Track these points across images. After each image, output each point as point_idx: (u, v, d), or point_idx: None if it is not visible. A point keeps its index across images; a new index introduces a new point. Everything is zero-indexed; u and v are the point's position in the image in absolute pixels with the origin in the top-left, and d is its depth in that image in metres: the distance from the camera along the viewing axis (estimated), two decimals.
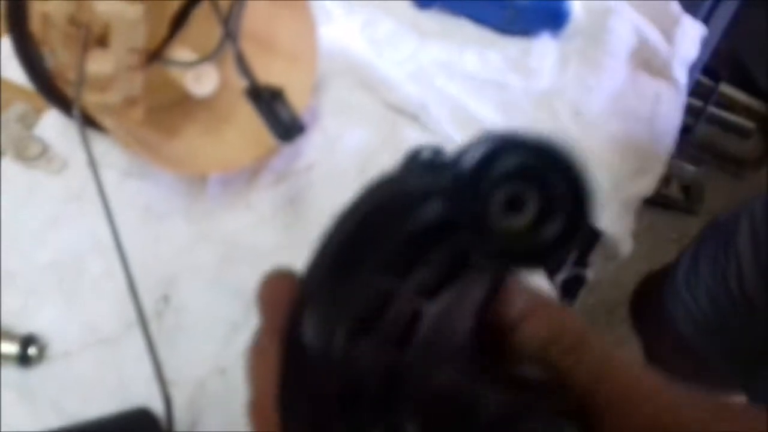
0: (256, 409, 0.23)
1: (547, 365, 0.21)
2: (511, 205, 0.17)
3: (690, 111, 1.63)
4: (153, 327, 0.52)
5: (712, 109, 1.68)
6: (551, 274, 0.61)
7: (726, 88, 1.70)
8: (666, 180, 1.73)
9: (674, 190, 1.75)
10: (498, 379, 0.20)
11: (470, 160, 0.17)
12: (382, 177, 0.19)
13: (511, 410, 0.19)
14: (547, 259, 0.17)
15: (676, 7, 0.73)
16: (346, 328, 0.19)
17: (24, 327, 0.51)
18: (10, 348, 0.49)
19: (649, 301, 1.15)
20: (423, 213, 0.18)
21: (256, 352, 0.23)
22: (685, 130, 1.65)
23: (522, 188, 0.17)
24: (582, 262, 0.64)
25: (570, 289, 0.63)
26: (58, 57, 0.48)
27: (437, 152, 0.19)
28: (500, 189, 0.17)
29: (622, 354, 0.21)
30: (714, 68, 1.54)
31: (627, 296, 1.48)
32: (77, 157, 0.58)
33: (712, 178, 1.78)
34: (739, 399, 0.96)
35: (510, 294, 0.22)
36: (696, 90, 1.55)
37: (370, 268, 0.19)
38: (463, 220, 0.17)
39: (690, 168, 1.76)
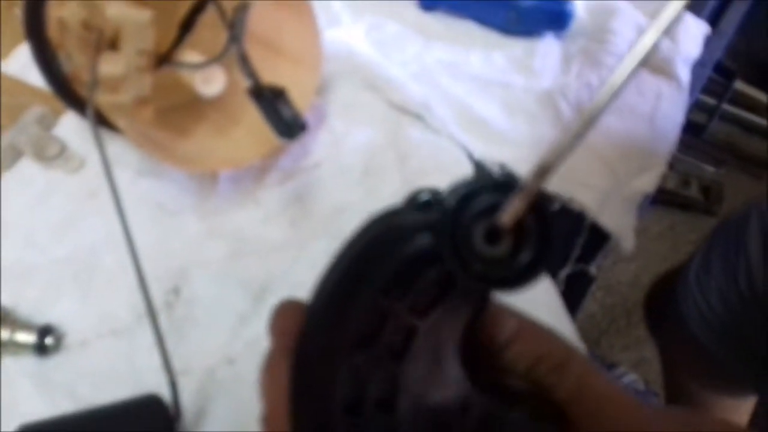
0: (269, 422, 0.24)
1: (533, 383, 0.23)
2: (490, 237, 0.20)
3: (704, 109, 1.62)
4: (164, 318, 0.54)
5: (730, 108, 1.66)
6: (553, 270, 0.62)
7: (746, 89, 1.69)
8: (685, 181, 1.72)
9: (694, 191, 1.73)
10: (486, 387, 0.22)
11: (452, 199, 0.20)
12: (381, 211, 0.22)
13: (497, 412, 0.21)
14: (521, 283, 0.20)
15: None
16: (350, 343, 0.21)
17: (41, 318, 0.53)
18: (28, 338, 0.51)
19: (662, 301, 1.14)
20: (415, 244, 0.21)
21: (268, 370, 0.24)
22: (699, 128, 1.64)
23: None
24: (585, 258, 0.64)
25: (575, 285, 0.64)
26: (73, 60, 0.50)
27: (435, 194, 0.21)
28: (479, 223, 0.20)
29: (601, 374, 0.23)
30: (732, 67, 1.53)
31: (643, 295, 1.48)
32: (94, 156, 0.61)
33: (732, 179, 1.77)
34: (752, 399, 0.96)
35: (500, 318, 0.23)
36: (711, 88, 1.55)
37: (369, 290, 0.21)
38: (447, 249, 0.20)
39: (710, 169, 1.75)
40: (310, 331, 0.22)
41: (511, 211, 0.19)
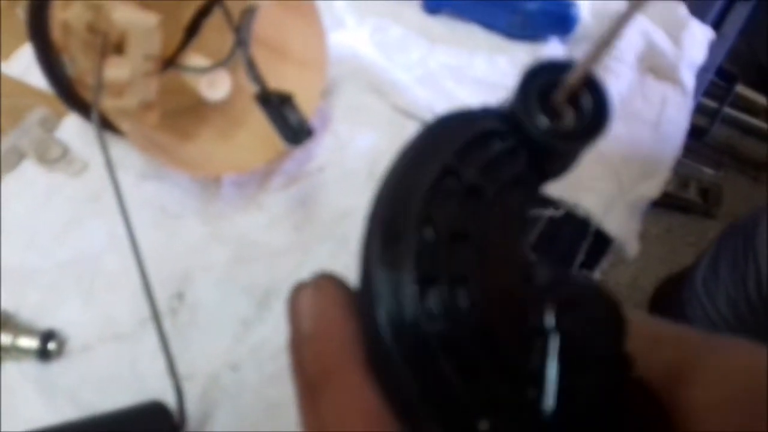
0: (315, 341, 0.20)
1: None
2: (552, 114, 0.20)
3: (705, 112, 1.62)
4: (167, 323, 0.53)
5: (729, 111, 1.66)
6: None
7: (745, 91, 1.69)
8: (684, 183, 1.72)
9: (692, 194, 1.74)
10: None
11: (515, 90, 0.20)
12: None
13: (561, 277, 0.20)
14: (588, 136, 0.20)
15: (683, 11, 0.73)
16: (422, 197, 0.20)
17: (43, 323, 0.53)
18: (31, 343, 0.51)
19: (667, 305, 1.14)
20: (483, 122, 0.21)
21: (304, 293, 0.21)
22: (701, 132, 1.65)
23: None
24: (590, 264, 0.64)
25: None
26: (78, 63, 0.50)
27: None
28: (541, 100, 0.20)
29: None
30: (732, 71, 1.53)
31: (645, 299, 1.48)
32: (97, 159, 0.60)
33: (730, 181, 1.77)
34: None
35: None
36: (712, 91, 1.55)
37: (439, 156, 0.20)
38: (518, 108, 0.20)
39: (708, 171, 1.75)
40: (387, 191, 0.21)
41: (565, 88, 0.20)
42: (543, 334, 0.19)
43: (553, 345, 0.19)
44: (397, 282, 0.19)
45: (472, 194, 0.20)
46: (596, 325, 0.20)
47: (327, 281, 0.21)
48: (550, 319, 0.19)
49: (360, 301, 0.20)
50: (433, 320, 0.19)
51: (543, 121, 0.20)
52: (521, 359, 0.19)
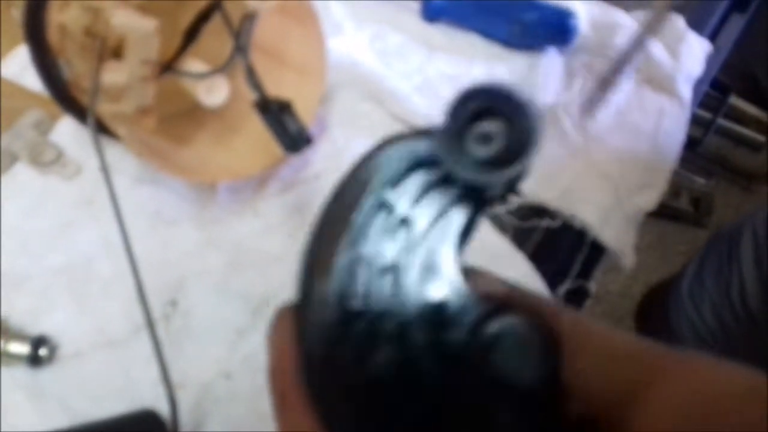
0: (275, 367, 0.23)
1: None
2: (483, 140, 0.21)
3: (699, 123, 1.63)
4: (161, 330, 0.53)
5: (722, 122, 1.67)
6: (553, 285, 0.61)
7: (737, 102, 1.70)
8: (675, 192, 1.73)
9: (684, 203, 1.74)
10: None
11: (450, 109, 0.21)
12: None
13: (489, 309, 0.21)
14: (518, 161, 0.20)
15: (681, 24, 0.73)
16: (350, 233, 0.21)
17: (35, 328, 0.52)
18: (22, 349, 0.50)
19: (654, 313, 1.14)
20: (414, 148, 0.22)
21: (275, 322, 0.24)
22: (694, 142, 1.65)
23: (489, 127, 0.21)
24: (585, 274, 0.64)
25: (573, 301, 0.64)
26: (74, 67, 0.49)
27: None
28: (472, 126, 0.21)
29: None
30: (725, 81, 1.54)
31: (635, 307, 1.48)
32: (91, 162, 0.60)
33: (721, 190, 1.78)
34: None
35: (488, 283, 0.23)
36: (705, 102, 1.56)
37: (370, 187, 0.22)
38: (445, 143, 0.21)
39: (700, 180, 1.76)
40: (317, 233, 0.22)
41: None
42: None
43: None
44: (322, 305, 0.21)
45: (403, 226, 0.21)
46: (524, 360, 0.20)
47: (286, 312, 0.23)
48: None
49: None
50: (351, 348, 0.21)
51: (466, 158, 0.20)
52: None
